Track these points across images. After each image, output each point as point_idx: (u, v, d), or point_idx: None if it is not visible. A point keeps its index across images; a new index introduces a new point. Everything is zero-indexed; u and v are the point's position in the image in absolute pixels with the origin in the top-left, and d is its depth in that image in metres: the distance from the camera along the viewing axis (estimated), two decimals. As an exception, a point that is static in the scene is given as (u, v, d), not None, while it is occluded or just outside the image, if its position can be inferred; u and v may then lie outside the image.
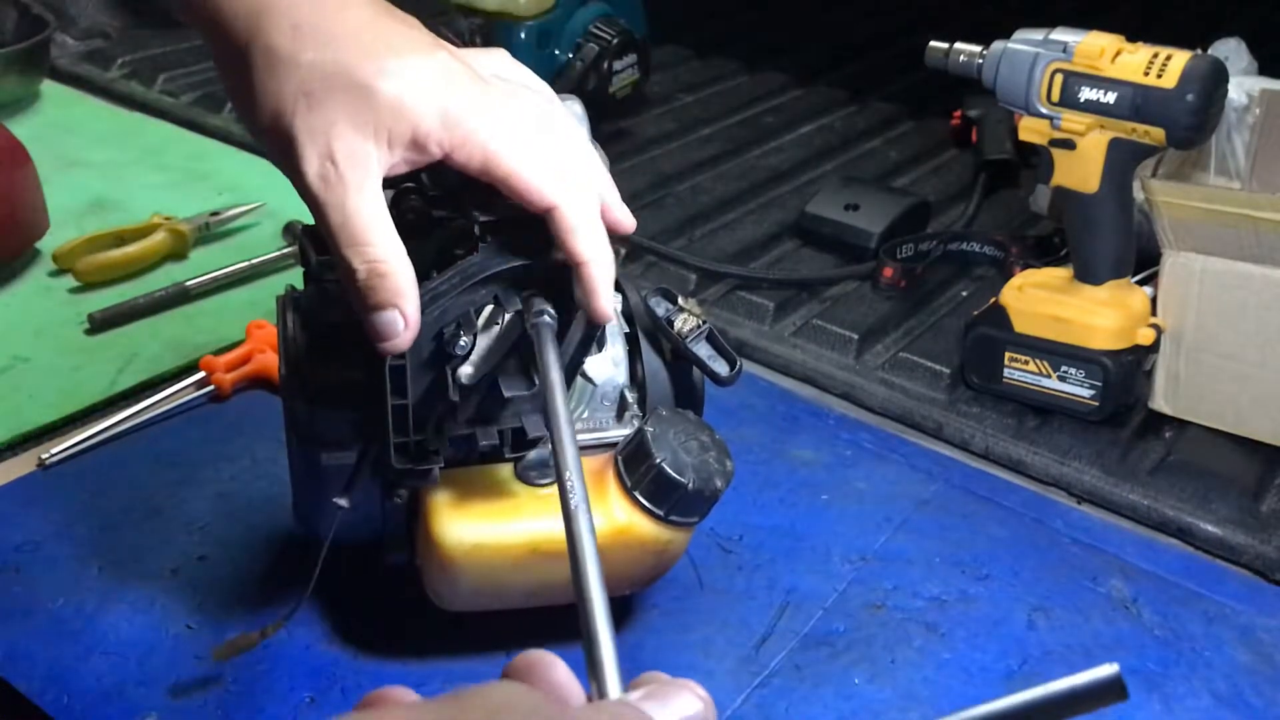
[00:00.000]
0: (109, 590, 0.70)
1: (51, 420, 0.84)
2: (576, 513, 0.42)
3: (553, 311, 0.55)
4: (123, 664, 0.65)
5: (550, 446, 0.48)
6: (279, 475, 0.69)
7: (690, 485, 0.58)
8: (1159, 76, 0.78)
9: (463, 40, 1.28)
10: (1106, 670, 0.32)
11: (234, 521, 0.75)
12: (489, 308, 0.55)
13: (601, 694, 0.35)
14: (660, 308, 0.66)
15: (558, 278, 0.55)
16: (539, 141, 0.53)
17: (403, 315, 0.51)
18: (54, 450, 0.80)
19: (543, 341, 0.53)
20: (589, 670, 0.36)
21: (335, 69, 0.50)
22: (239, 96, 0.53)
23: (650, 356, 0.65)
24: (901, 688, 0.66)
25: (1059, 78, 0.82)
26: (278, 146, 0.51)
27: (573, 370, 0.60)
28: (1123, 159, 0.82)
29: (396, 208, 0.60)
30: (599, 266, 0.53)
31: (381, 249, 0.50)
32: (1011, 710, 0.33)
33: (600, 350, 0.61)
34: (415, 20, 0.54)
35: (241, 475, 0.79)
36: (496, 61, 0.58)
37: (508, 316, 0.55)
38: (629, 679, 0.36)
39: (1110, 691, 0.32)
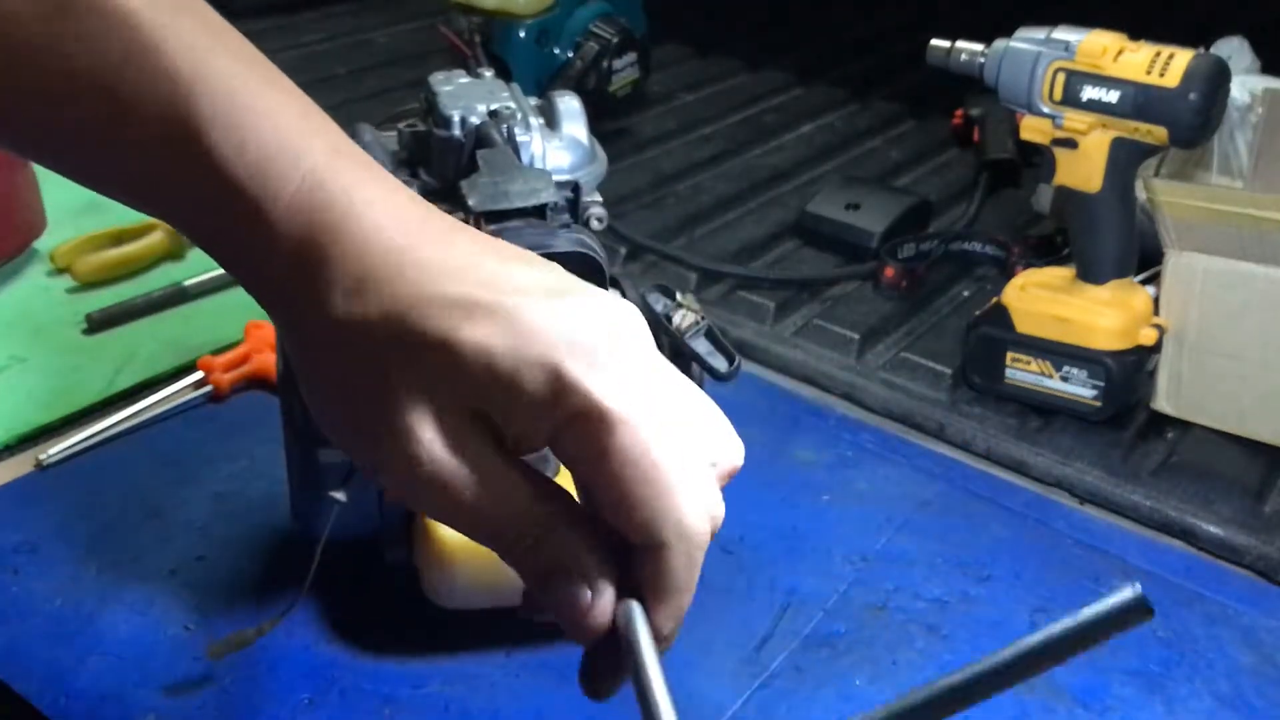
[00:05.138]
0: (107, 591, 0.69)
1: (49, 420, 0.83)
2: None
3: None
4: (121, 665, 0.64)
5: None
6: (278, 475, 0.68)
7: None
8: (1161, 75, 0.78)
9: (463, 39, 1.27)
10: (1129, 592, 0.31)
11: (233, 521, 0.75)
12: None
13: None
14: (659, 304, 0.66)
15: (563, 266, 0.55)
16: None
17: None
18: (52, 451, 0.79)
19: None
20: None
21: None
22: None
23: (650, 354, 0.65)
24: (903, 689, 0.65)
25: (1061, 77, 0.82)
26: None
27: None
28: (1125, 158, 0.82)
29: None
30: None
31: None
32: (1040, 644, 0.32)
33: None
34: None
35: (240, 475, 0.79)
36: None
37: None
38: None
39: (1136, 612, 0.31)
